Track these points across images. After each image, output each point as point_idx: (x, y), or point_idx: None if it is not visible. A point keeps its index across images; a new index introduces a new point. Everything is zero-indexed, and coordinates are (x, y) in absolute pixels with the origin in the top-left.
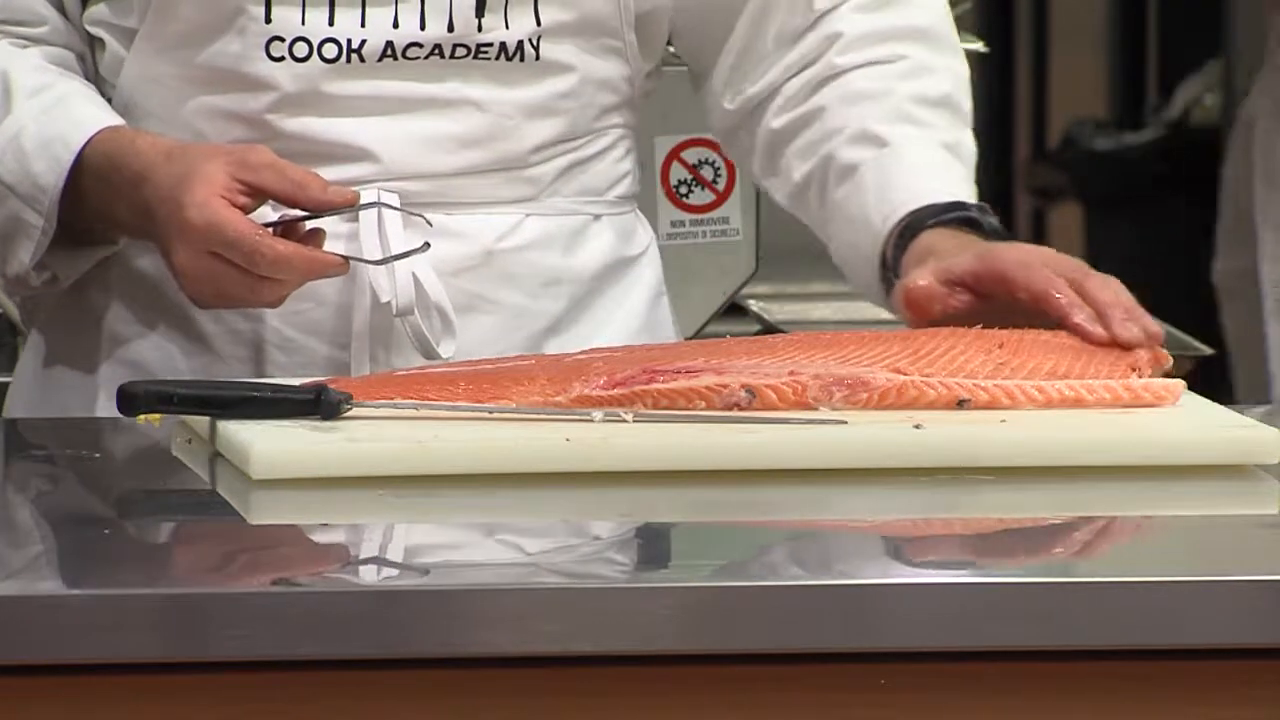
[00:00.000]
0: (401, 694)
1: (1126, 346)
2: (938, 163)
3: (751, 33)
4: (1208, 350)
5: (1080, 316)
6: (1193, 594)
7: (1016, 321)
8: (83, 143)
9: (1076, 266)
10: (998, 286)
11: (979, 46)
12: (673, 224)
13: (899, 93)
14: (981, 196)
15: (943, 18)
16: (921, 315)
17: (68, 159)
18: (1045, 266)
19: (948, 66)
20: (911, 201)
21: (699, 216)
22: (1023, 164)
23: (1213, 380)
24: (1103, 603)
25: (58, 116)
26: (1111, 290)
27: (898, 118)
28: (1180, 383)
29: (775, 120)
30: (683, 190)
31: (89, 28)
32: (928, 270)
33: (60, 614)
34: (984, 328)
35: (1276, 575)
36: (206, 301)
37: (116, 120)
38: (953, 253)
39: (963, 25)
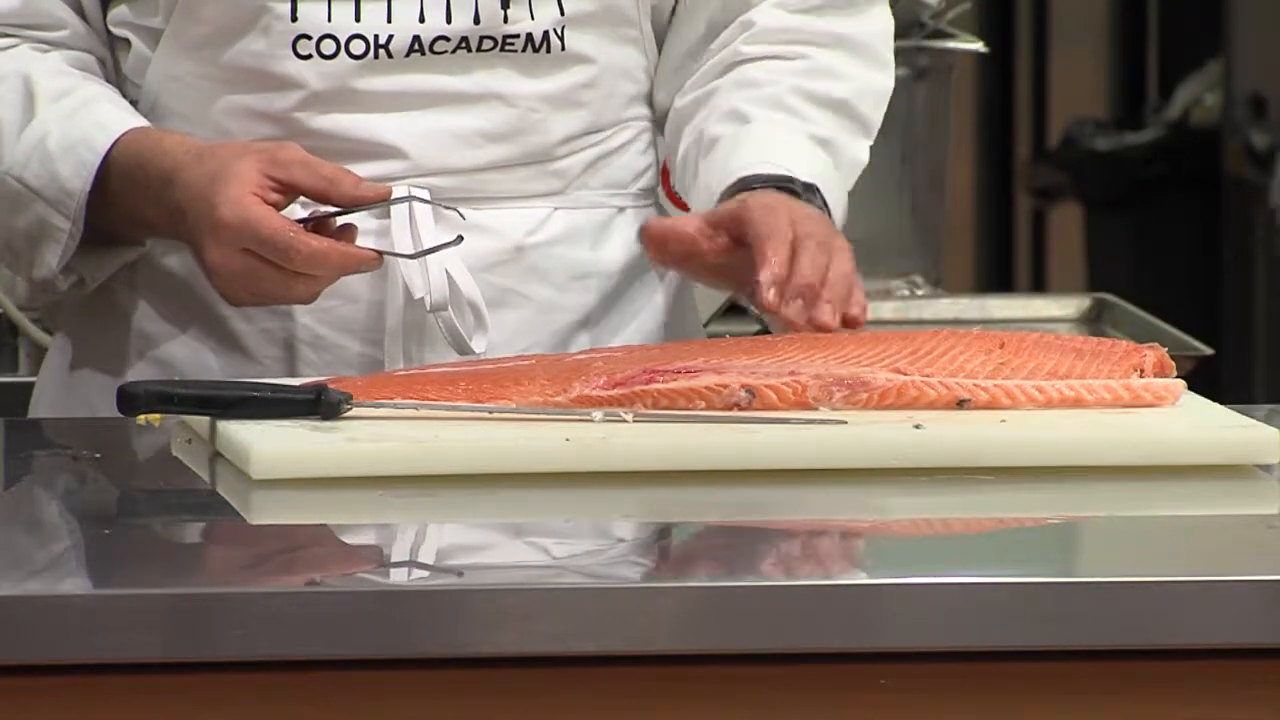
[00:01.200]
0: (403, 693)
1: (819, 327)
2: (793, 146)
3: (686, 23)
4: (1208, 350)
5: (764, 275)
6: (1193, 594)
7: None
8: (109, 145)
9: (815, 233)
10: (744, 229)
11: (979, 46)
12: None
13: (783, 84)
14: (982, 196)
15: (875, 34)
16: (659, 253)
17: (94, 162)
18: (790, 222)
19: (858, 76)
20: (744, 169)
21: None
22: (1023, 164)
23: (1213, 380)
24: (1103, 603)
25: (82, 120)
26: (819, 266)
27: (770, 104)
28: (1180, 383)
29: (680, 101)
30: None
31: (113, 29)
32: (691, 214)
33: (61, 614)
34: (731, 279)
35: (1276, 575)
36: (241, 299)
37: (141, 122)
38: None
39: (963, 25)
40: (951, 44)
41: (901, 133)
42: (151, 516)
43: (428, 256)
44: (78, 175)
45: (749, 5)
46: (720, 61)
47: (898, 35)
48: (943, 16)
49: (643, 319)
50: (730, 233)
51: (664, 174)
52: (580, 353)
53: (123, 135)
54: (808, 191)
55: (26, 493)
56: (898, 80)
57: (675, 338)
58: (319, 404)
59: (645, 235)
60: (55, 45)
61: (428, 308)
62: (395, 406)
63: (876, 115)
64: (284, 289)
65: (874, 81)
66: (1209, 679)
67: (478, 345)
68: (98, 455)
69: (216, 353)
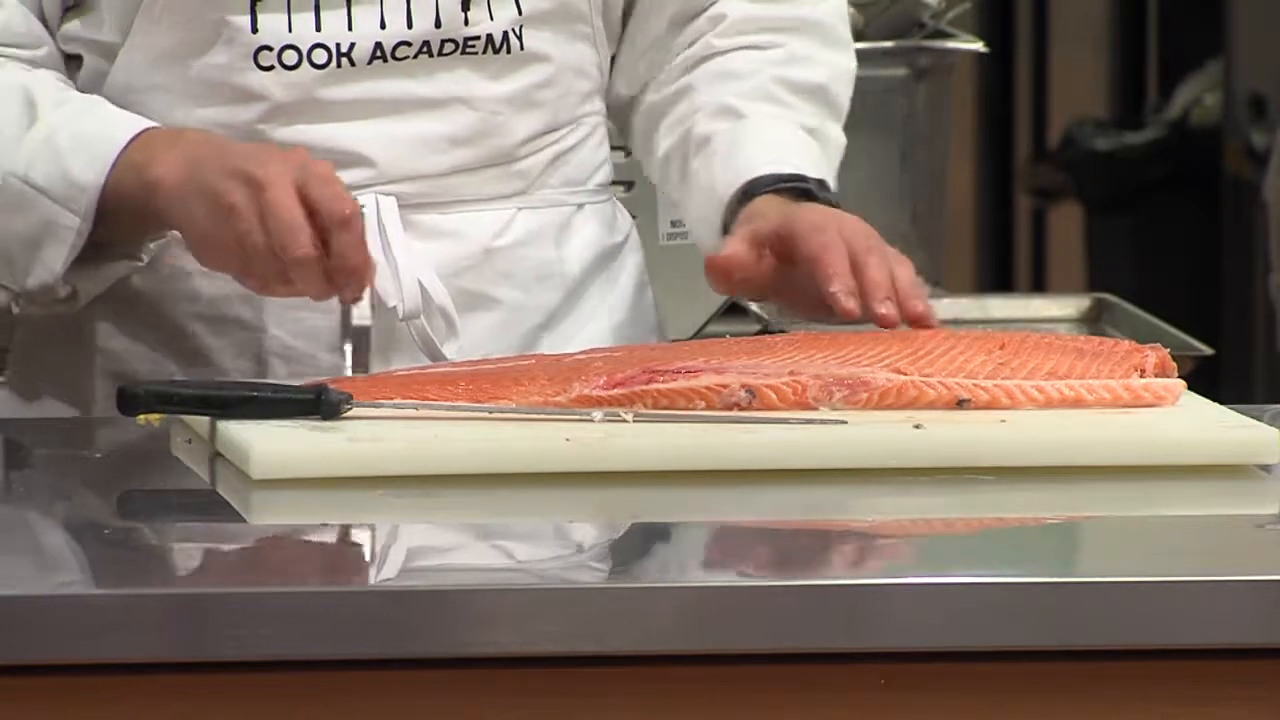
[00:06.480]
0: (402, 694)
1: (884, 324)
2: (790, 139)
3: (651, 15)
4: (1208, 350)
5: (836, 286)
6: (1193, 594)
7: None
8: (128, 139)
9: (868, 241)
10: (794, 247)
11: (979, 46)
12: (673, 224)
13: (766, 74)
14: (982, 196)
15: (837, 15)
16: (725, 284)
17: (111, 153)
18: (839, 233)
19: (829, 60)
20: (753, 170)
21: None
22: (1023, 164)
23: (1213, 380)
24: (1103, 603)
25: (95, 116)
26: (885, 271)
27: (759, 96)
28: (1180, 383)
29: (652, 96)
30: None
31: (64, 45)
32: (738, 236)
33: (60, 614)
34: (785, 296)
35: (1276, 575)
36: (219, 233)
37: (154, 123)
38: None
39: (963, 25)
40: (951, 44)
41: (901, 133)
42: (151, 516)
43: (399, 265)
44: (90, 167)
45: None
46: (693, 55)
47: (898, 35)
48: (943, 16)
49: (601, 318)
50: (775, 250)
51: None
52: (580, 352)
53: (141, 131)
54: (820, 187)
55: (26, 493)
56: (897, 80)
57: (633, 337)
58: (319, 404)
59: (711, 269)
60: (37, 64)
61: (400, 317)
62: (395, 406)
63: (847, 98)
64: (265, 266)
65: (842, 64)
66: (1209, 679)
67: (449, 351)
68: (97, 455)
69: (182, 368)
